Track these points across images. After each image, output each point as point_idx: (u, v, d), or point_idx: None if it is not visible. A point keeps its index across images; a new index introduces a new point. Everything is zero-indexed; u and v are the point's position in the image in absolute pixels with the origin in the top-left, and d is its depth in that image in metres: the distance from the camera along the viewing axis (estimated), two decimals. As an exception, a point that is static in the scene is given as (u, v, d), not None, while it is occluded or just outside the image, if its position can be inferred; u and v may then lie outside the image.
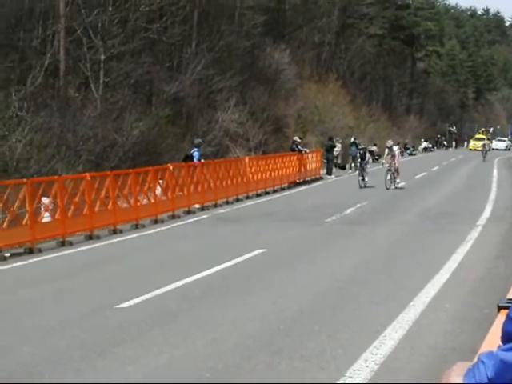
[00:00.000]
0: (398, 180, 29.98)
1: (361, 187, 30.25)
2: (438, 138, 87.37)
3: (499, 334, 2.57)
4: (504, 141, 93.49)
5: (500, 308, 3.64)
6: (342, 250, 15.13)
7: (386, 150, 31.09)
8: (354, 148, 43.53)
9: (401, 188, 29.56)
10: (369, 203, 24.48)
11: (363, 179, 30.92)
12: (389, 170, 29.77)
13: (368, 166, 48.33)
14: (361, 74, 76.72)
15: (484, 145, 63.26)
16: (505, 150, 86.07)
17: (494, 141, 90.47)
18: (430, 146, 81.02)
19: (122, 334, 8.63)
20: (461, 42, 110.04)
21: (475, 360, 2.52)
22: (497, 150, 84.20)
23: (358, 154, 34.20)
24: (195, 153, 25.02)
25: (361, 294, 10.76)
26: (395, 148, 30.71)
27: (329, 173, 38.63)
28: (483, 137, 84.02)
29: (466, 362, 2.56)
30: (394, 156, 30.02)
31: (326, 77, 63.69)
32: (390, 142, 31.34)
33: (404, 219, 20.28)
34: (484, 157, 58.50)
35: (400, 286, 11.26)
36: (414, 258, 13.98)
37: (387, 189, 28.79)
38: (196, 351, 7.88)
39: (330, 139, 41.72)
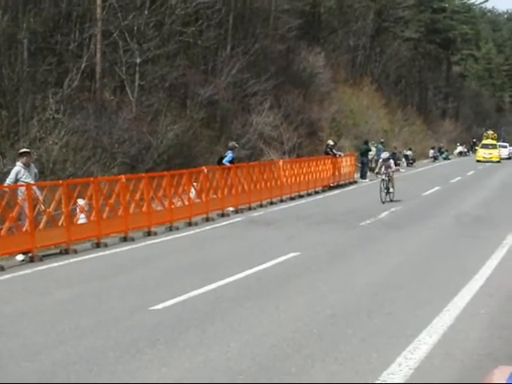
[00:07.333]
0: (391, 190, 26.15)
1: (383, 202, 25.25)
2: (474, 143, 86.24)
3: None
4: (505, 147, 75.14)
5: None
6: (376, 254, 15.07)
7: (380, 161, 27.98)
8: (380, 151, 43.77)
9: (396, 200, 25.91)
10: (403, 207, 24.36)
11: (387, 192, 26.09)
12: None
13: (399, 170, 48.11)
14: (396, 78, 76.44)
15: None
16: (508, 158, 71.58)
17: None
18: (465, 150, 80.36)
19: (157, 335, 8.68)
20: (497, 45, 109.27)
21: None
22: None
23: (381, 160, 27.86)
24: (229, 155, 25.16)
25: (395, 298, 10.72)
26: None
27: (363, 177, 38.51)
28: (493, 142, 71.35)
29: (508, 366, 2.56)
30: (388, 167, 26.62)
31: (361, 80, 63.60)
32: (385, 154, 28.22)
33: (439, 223, 20.16)
34: None
35: (435, 291, 11.20)
36: (449, 263, 13.89)
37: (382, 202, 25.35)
38: (230, 353, 7.91)
39: (366, 143, 41.58)
